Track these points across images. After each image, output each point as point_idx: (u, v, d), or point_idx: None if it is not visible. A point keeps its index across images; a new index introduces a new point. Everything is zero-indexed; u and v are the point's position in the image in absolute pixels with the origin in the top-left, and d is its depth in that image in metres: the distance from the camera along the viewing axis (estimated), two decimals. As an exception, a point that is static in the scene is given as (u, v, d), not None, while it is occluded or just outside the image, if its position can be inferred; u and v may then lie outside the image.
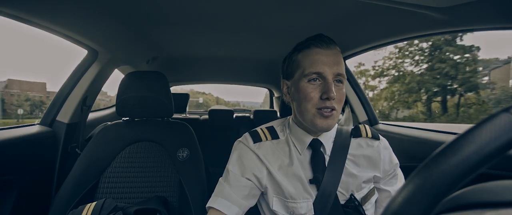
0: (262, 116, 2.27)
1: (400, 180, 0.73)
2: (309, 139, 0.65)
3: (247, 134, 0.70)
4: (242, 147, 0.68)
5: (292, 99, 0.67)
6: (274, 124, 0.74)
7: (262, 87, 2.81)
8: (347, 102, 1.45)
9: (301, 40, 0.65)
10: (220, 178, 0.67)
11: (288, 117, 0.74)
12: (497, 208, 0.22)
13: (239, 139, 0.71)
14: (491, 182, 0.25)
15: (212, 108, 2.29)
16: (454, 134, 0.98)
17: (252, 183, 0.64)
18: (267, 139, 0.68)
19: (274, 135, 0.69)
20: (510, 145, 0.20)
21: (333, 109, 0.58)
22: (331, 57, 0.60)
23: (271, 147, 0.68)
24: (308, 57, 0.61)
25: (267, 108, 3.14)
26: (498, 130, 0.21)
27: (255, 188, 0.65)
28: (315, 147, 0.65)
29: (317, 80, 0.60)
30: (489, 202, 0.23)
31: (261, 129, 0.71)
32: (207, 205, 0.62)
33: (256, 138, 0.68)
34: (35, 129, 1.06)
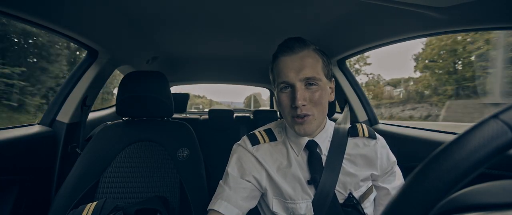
0: (262, 116, 2.26)
1: (398, 177, 0.73)
2: (304, 140, 0.65)
3: (245, 137, 0.71)
4: (241, 149, 0.69)
5: None
6: (271, 126, 0.74)
7: (262, 87, 2.80)
8: (346, 101, 1.45)
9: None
10: (220, 181, 0.67)
11: None
12: (499, 209, 0.22)
13: (238, 142, 0.71)
14: (492, 182, 0.25)
15: (212, 107, 2.28)
16: (454, 134, 0.98)
17: (251, 184, 0.64)
18: (265, 141, 0.69)
19: (272, 137, 0.70)
20: (498, 151, 0.20)
21: (306, 115, 0.58)
22: (297, 62, 0.59)
23: (269, 149, 0.68)
24: (276, 66, 0.62)
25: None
26: (486, 136, 0.21)
27: (255, 189, 0.65)
28: (311, 148, 0.65)
29: (288, 89, 0.60)
30: (491, 204, 0.23)
31: (259, 131, 0.72)
32: (208, 208, 0.62)
33: (254, 141, 0.69)
34: (35, 129, 1.06)
